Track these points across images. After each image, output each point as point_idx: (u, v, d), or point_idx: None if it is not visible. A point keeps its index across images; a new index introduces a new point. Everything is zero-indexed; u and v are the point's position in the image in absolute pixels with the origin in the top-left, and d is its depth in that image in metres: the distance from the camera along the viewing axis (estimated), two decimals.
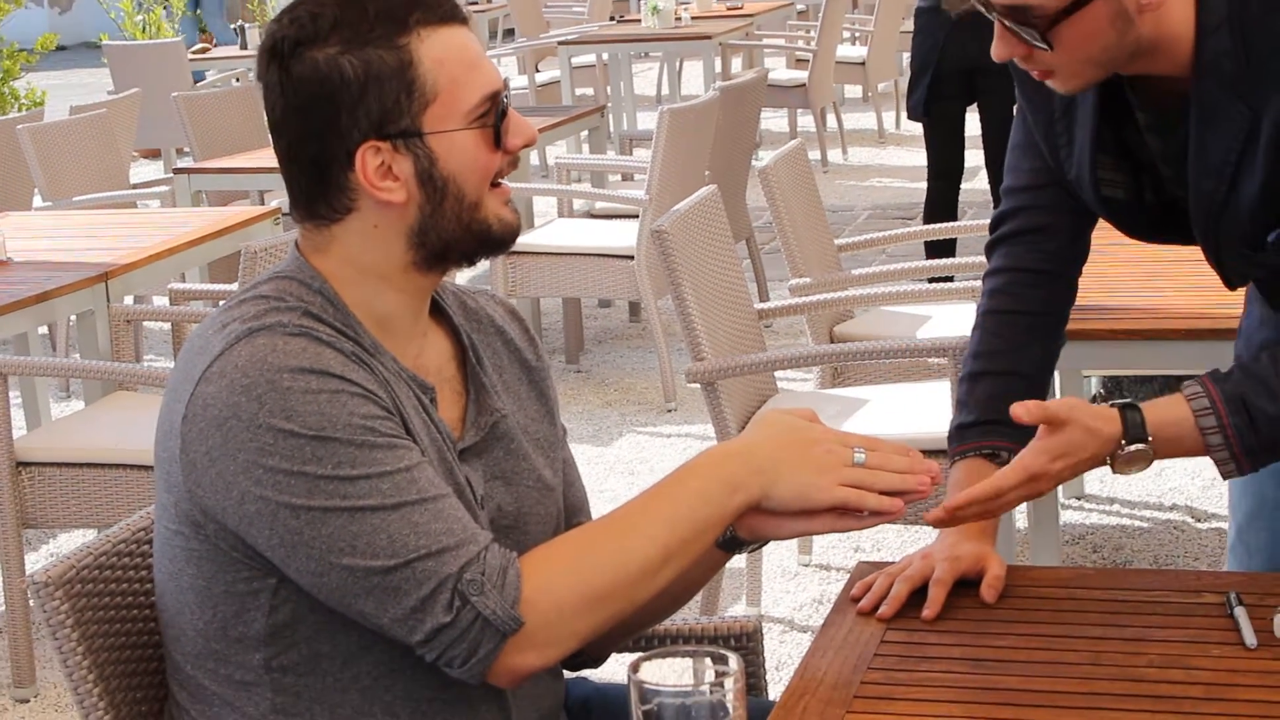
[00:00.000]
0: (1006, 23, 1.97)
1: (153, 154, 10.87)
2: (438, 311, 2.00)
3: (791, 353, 4.41)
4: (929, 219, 6.84)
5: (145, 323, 6.73)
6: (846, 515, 1.87)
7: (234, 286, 4.47)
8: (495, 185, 1.89)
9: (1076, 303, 2.37)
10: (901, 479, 1.87)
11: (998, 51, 2.03)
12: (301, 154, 1.87)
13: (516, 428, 2.00)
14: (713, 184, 4.63)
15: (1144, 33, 1.97)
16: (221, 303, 1.90)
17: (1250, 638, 1.90)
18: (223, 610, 1.85)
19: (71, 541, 2.74)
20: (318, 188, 1.87)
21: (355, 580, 1.76)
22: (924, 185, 7.05)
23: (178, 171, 7.08)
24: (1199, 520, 4.71)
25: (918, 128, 7.02)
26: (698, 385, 3.93)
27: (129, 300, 4.75)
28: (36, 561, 4.52)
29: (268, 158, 6.95)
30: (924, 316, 4.73)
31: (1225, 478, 2.08)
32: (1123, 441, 2.01)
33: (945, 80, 6.68)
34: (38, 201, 6.89)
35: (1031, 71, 2.05)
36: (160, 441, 1.86)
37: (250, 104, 7.73)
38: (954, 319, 4.53)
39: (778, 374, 4.43)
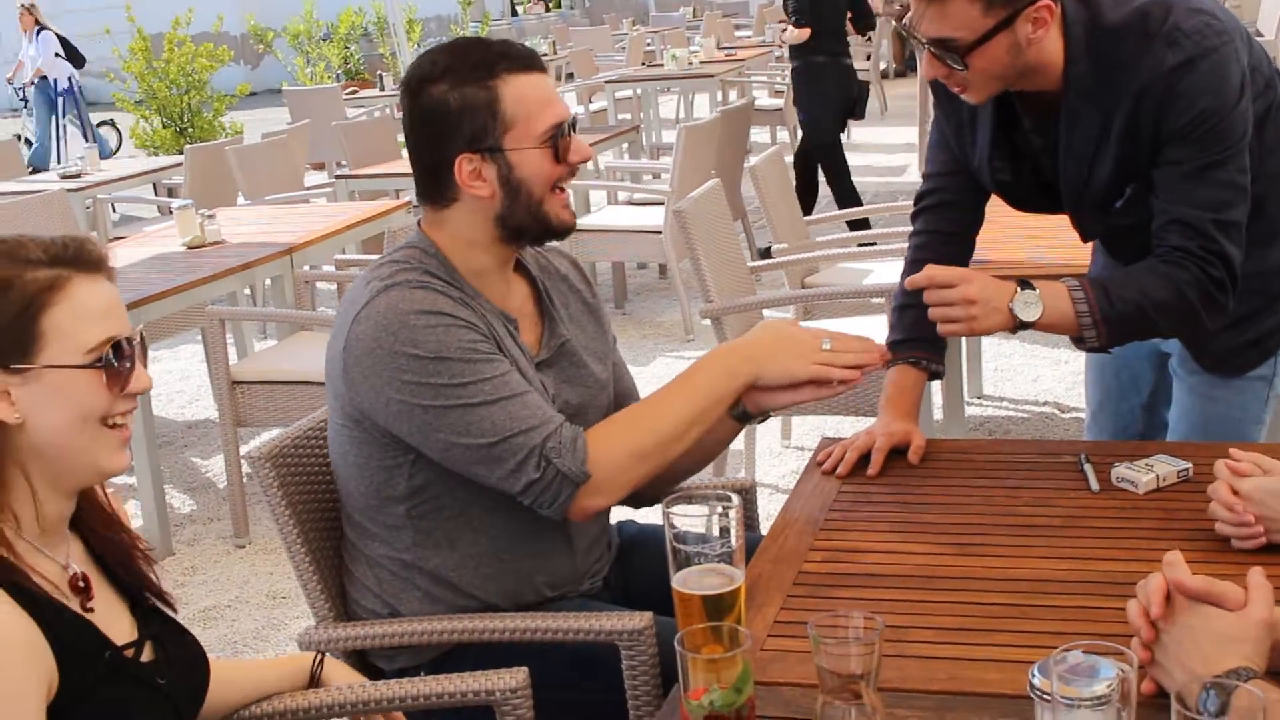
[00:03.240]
0: (934, 50, 1.95)
1: (320, 166, 10.84)
2: (520, 266, 2.00)
3: (774, 295, 4.40)
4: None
5: (318, 283, 6.74)
6: (821, 386, 1.87)
7: (378, 256, 4.48)
8: (559, 190, 1.87)
9: (975, 255, 2.35)
10: (857, 356, 1.86)
11: (926, 72, 2.00)
12: (422, 159, 1.88)
13: (579, 346, 2.01)
14: (717, 179, 4.61)
15: (1030, 59, 1.96)
16: (369, 267, 1.91)
17: (1095, 485, 1.92)
18: (377, 478, 1.88)
19: (269, 435, 2.76)
20: (433, 183, 1.88)
21: (471, 453, 1.78)
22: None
23: (338, 177, 7.08)
24: (1063, 412, 4.70)
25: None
26: (708, 321, 3.93)
27: (307, 267, 4.76)
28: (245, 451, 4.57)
29: (400, 166, 6.98)
30: (867, 270, 4.71)
31: (1087, 345, 2.00)
32: (1018, 289, 1.95)
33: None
34: (240, 200, 6.91)
35: (951, 86, 2.03)
36: (329, 364, 1.88)
37: (387, 130, 7.70)
38: (888, 271, 4.50)
39: (764, 311, 4.43)
